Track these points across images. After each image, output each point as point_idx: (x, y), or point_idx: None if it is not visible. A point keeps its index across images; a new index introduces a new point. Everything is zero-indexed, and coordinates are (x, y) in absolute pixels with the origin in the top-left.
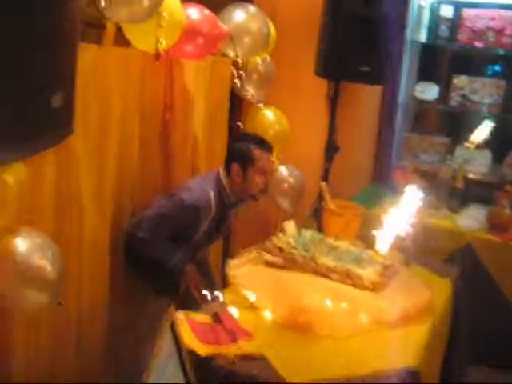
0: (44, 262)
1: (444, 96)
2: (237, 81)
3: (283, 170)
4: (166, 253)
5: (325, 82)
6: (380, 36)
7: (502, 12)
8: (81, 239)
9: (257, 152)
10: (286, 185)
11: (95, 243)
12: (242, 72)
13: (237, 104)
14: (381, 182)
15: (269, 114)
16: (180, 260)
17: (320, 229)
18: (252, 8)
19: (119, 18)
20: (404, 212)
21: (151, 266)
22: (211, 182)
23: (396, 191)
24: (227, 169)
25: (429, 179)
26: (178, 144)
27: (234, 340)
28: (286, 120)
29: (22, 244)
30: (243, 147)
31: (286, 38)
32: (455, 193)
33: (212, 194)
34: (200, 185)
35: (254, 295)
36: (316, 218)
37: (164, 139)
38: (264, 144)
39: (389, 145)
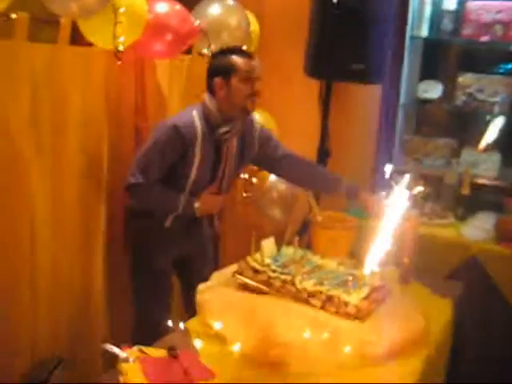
0: None
1: (449, 95)
2: None
3: (272, 178)
4: (167, 199)
5: (317, 82)
6: (373, 30)
7: (510, 3)
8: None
9: (236, 59)
10: (275, 193)
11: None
12: None
13: None
14: (380, 190)
15: (255, 116)
16: (185, 204)
17: (309, 244)
18: (229, 1)
19: (67, 13)
20: (395, 222)
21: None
22: (195, 105)
23: None
24: (210, 89)
25: (433, 185)
26: None
27: (190, 381)
28: (274, 122)
29: None
30: (222, 59)
31: (275, 37)
32: (461, 200)
33: (195, 113)
34: (183, 111)
35: (221, 323)
36: (306, 232)
37: (137, 143)
38: (242, 50)
39: (389, 149)
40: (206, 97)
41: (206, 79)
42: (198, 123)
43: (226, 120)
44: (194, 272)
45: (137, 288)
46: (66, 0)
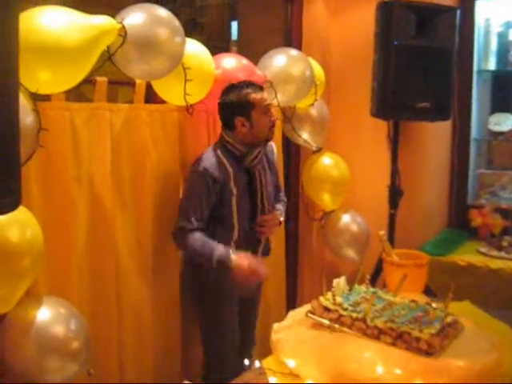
0: (67, 333)
1: None
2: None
3: (345, 218)
4: (206, 247)
5: (384, 122)
6: (435, 68)
7: None
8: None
9: (252, 94)
10: (349, 233)
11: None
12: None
13: (294, 152)
14: (456, 226)
15: (326, 160)
16: (221, 255)
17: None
18: (293, 52)
19: (141, 77)
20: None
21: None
22: (215, 144)
23: (474, 234)
24: (229, 126)
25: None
26: None
27: None
28: (345, 165)
29: (44, 314)
30: (238, 98)
31: (341, 82)
32: None
33: (219, 152)
34: (207, 152)
35: (294, 361)
36: (381, 271)
37: None
38: (253, 84)
39: (463, 184)
40: (224, 133)
41: (222, 116)
42: (225, 161)
43: (248, 148)
44: (249, 312)
45: (208, 335)
46: (140, 65)
